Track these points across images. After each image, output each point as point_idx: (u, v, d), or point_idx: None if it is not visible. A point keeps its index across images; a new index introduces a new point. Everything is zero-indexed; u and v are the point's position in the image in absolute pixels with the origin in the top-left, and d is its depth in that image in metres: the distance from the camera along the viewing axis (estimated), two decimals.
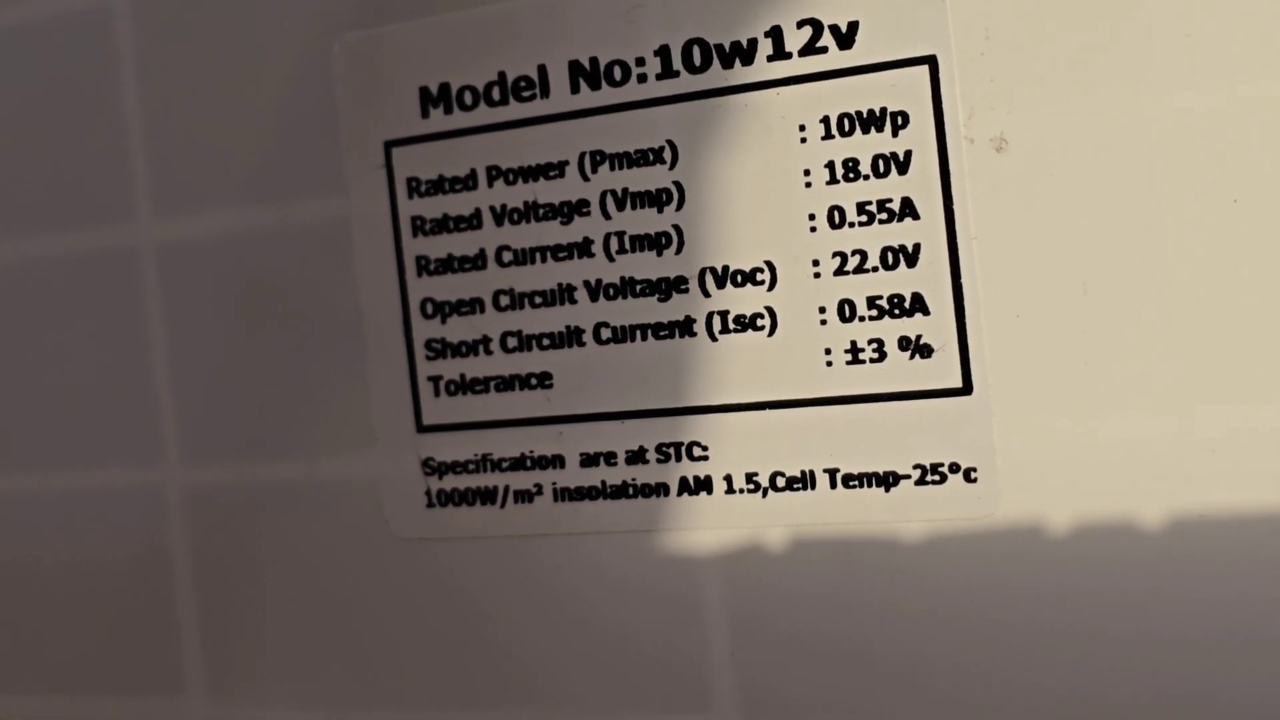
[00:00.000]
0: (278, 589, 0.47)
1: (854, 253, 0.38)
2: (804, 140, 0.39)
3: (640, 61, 0.40)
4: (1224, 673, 0.36)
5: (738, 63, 0.39)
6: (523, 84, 0.42)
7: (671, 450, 0.41)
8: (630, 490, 0.42)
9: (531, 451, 0.43)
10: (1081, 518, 0.37)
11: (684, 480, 0.41)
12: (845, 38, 0.38)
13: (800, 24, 0.38)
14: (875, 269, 0.38)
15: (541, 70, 0.42)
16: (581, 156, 0.41)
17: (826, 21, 0.38)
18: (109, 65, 0.48)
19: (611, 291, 0.42)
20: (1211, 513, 0.36)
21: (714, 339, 0.40)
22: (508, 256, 0.43)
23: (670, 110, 0.40)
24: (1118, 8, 0.36)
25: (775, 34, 0.39)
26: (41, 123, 0.50)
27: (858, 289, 0.38)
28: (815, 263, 0.39)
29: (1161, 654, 0.37)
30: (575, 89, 0.41)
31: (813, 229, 0.39)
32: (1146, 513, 0.36)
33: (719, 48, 0.40)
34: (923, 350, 0.38)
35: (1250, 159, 0.35)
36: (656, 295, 0.41)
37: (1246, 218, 0.35)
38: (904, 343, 0.38)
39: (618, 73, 0.41)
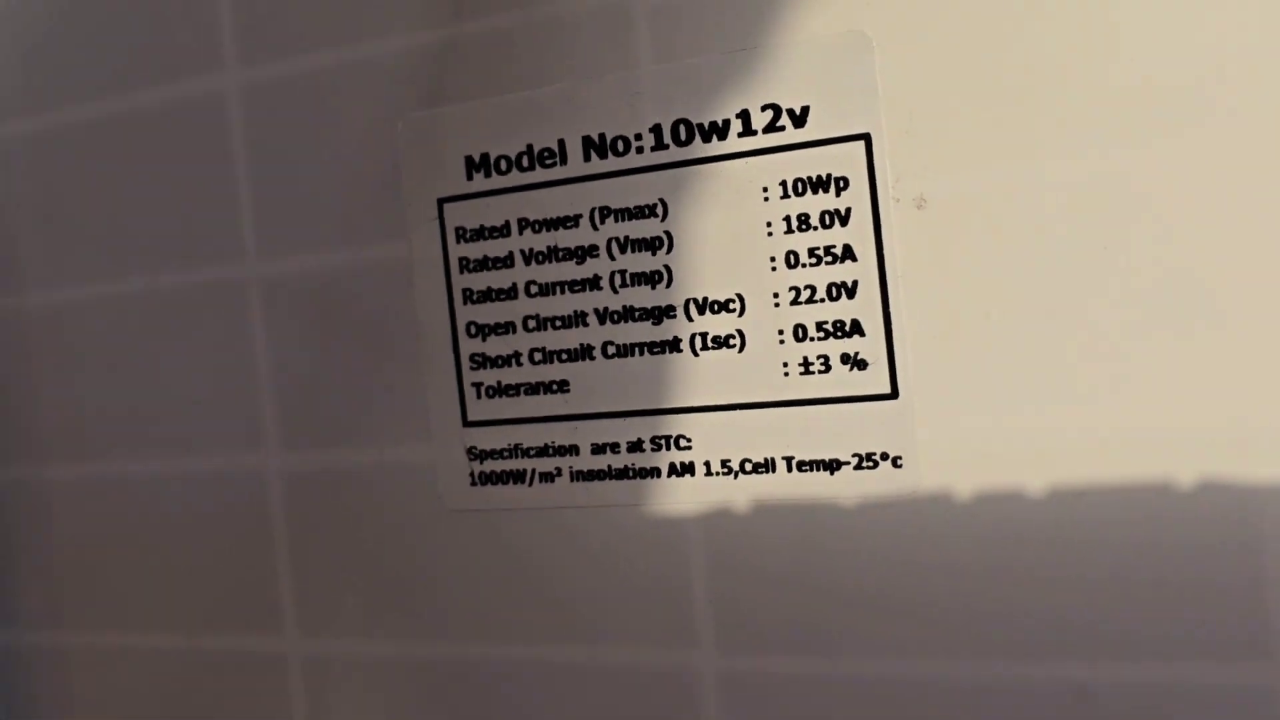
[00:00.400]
0: (353, 548, 0.46)
1: (806, 287, 0.38)
2: (766, 199, 0.38)
3: (638, 137, 0.40)
4: (1095, 606, 0.36)
5: (714, 138, 0.39)
6: (546, 154, 0.41)
7: (663, 441, 0.40)
8: (630, 472, 0.41)
9: (552, 442, 0.42)
10: (983, 491, 0.37)
11: (672, 465, 0.40)
12: (799, 119, 0.38)
13: (764, 108, 0.38)
14: (822, 300, 0.38)
15: (561, 144, 0.41)
16: (592, 211, 0.41)
17: (784, 105, 0.38)
18: (222, 139, 0.47)
19: (615, 317, 0.41)
20: (1081, 486, 0.36)
21: (696, 354, 0.40)
22: (534, 289, 0.42)
23: (662, 175, 0.40)
24: (1009, 100, 0.35)
25: (744, 115, 0.38)
26: (173, 183, 0.49)
27: (808, 316, 0.38)
28: (775, 295, 0.38)
29: (1043, 590, 0.36)
30: (587, 158, 0.41)
31: (773, 268, 0.38)
32: (1032, 486, 0.36)
33: (700, 126, 0.39)
34: (859, 364, 0.38)
35: (1112, 214, 0.34)
36: (650, 320, 0.40)
37: (1112, 261, 0.34)
38: (845, 358, 0.38)
39: (620, 145, 0.40)
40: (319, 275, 0.46)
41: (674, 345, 0.40)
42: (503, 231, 0.42)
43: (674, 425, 0.40)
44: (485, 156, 0.42)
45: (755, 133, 0.38)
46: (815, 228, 0.38)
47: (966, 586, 0.37)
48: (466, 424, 0.44)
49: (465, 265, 0.43)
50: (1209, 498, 0.34)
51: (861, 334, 0.38)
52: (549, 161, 0.41)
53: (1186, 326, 0.34)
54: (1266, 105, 0.33)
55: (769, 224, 0.38)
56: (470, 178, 0.42)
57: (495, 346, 0.43)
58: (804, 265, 0.38)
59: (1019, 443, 0.36)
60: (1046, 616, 0.36)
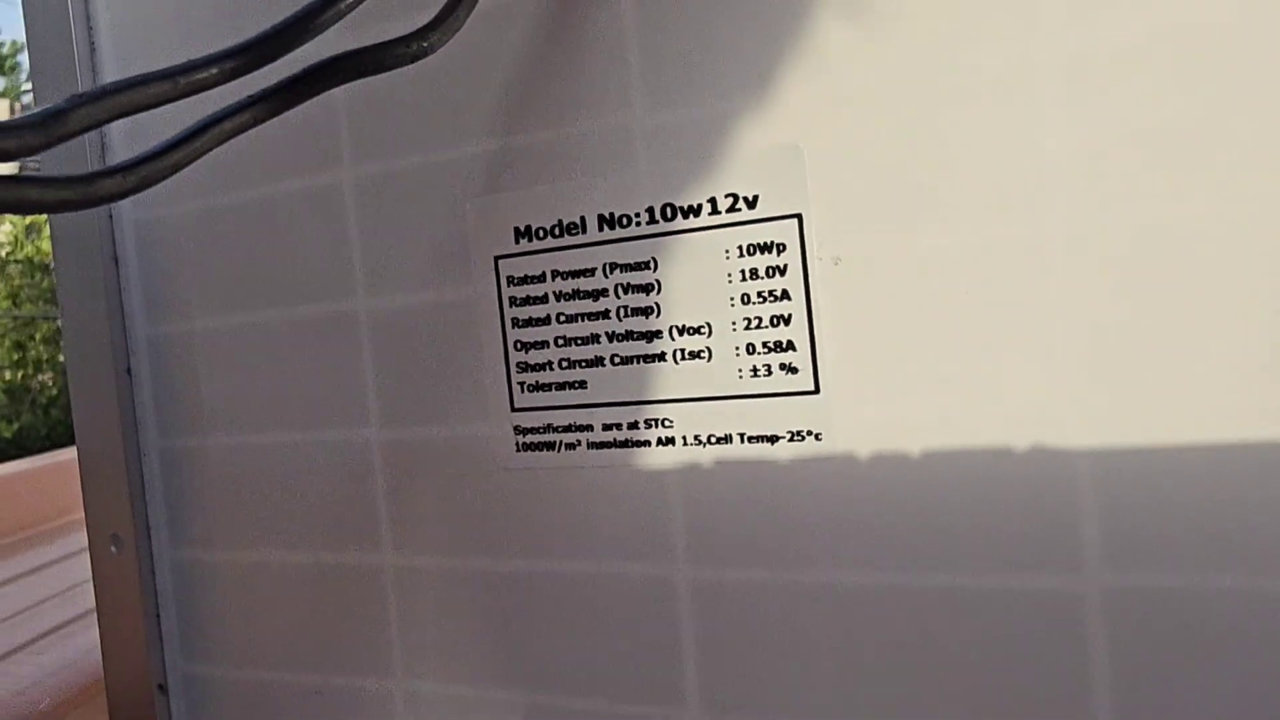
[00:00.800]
0: (431, 493, 0.46)
1: (755, 318, 0.38)
2: (728, 257, 0.38)
3: (637, 215, 0.40)
4: (952, 530, 0.36)
5: (692, 216, 0.39)
6: (571, 226, 0.41)
7: (653, 422, 0.40)
8: (629, 443, 0.41)
9: (574, 422, 0.42)
10: (876, 454, 0.37)
11: (659, 438, 0.40)
12: (751, 203, 0.38)
13: (726, 195, 0.38)
14: (766, 327, 0.38)
15: (582, 219, 0.41)
16: (604, 265, 0.41)
17: (741, 194, 0.38)
18: (340, 213, 0.47)
19: (619, 337, 0.41)
20: (944, 449, 0.36)
21: (677, 364, 0.40)
22: (562, 318, 0.42)
23: (654, 241, 0.40)
24: (896, 191, 0.35)
25: (713, 200, 0.38)
26: (307, 244, 0.48)
27: (756, 338, 0.38)
28: (733, 323, 0.38)
29: (916, 517, 0.36)
30: (600, 229, 0.41)
31: (732, 304, 0.38)
32: (910, 449, 0.36)
33: (681, 208, 0.39)
34: (792, 370, 0.38)
35: (966, 269, 0.35)
36: (644, 340, 0.40)
37: (963, 298, 0.35)
38: (782, 366, 0.38)
39: (624, 220, 0.40)
40: (409, 308, 0.46)
41: (661, 357, 0.40)
42: (540, 279, 0.42)
43: (660, 411, 0.40)
44: (529, 227, 0.42)
45: (720, 212, 0.38)
46: (762, 277, 0.38)
47: (863, 515, 0.37)
48: (514, 410, 0.43)
49: (514, 301, 0.43)
50: (1036, 459, 0.35)
51: (794, 350, 0.38)
52: (573, 231, 0.41)
53: (1010, 345, 0.35)
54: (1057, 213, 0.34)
55: (729, 274, 0.38)
56: (518, 242, 0.42)
57: (534, 357, 0.42)
58: (753, 303, 0.38)
59: (903, 422, 0.36)
60: (921, 536, 0.37)
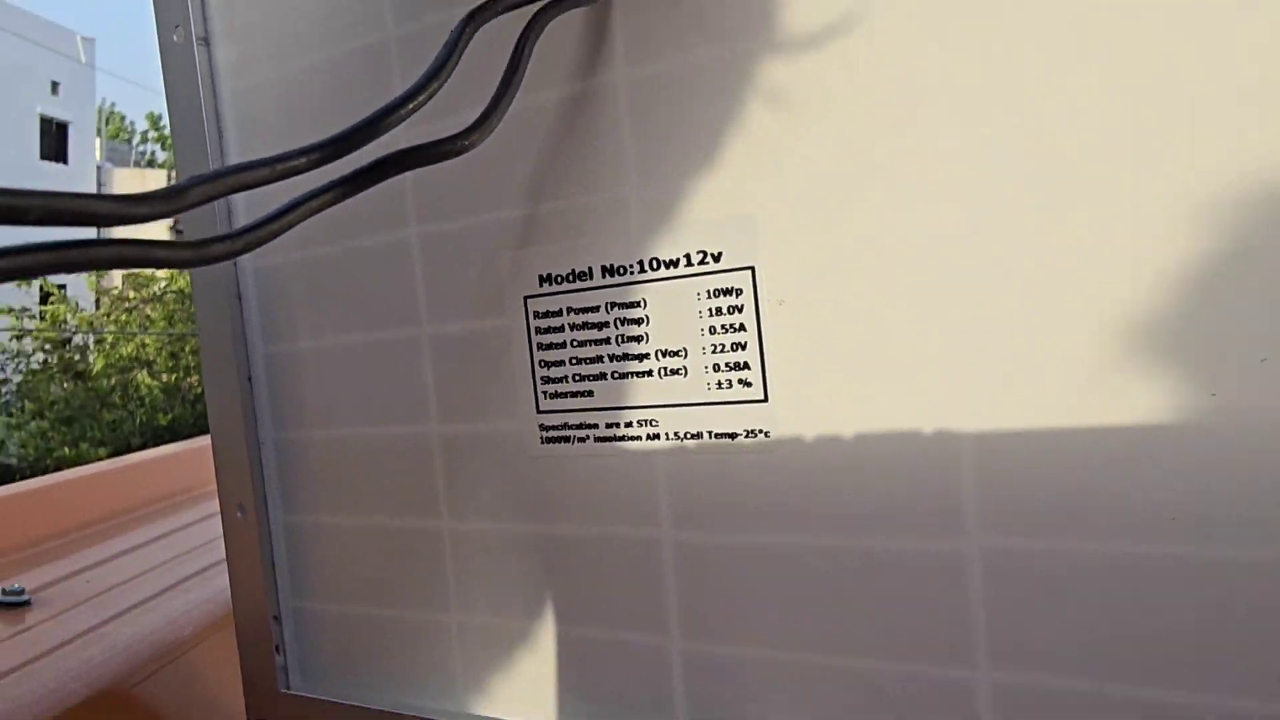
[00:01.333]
0: (479, 474, 0.45)
1: (719, 345, 0.37)
2: (699, 299, 0.37)
3: (631, 266, 0.39)
4: (867, 496, 0.36)
5: (671, 267, 0.38)
6: (581, 274, 0.40)
7: (644, 423, 0.40)
8: (626, 438, 0.40)
9: (584, 422, 0.41)
10: (812, 440, 0.36)
11: (648, 434, 0.40)
12: (716, 258, 0.37)
13: (697, 252, 0.37)
14: (727, 351, 0.37)
15: (590, 269, 0.40)
16: (605, 304, 0.39)
17: (708, 250, 0.37)
18: (407, 263, 0.46)
19: (618, 358, 0.40)
20: (860, 434, 0.35)
21: (661, 378, 0.39)
22: (574, 344, 0.41)
23: (643, 286, 0.39)
24: (826, 249, 0.35)
25: (686, 256, 0.37)
26: (380, 284, 0.47)
27: (721, 359, 0.37)
28: (703, 348, 0.37)
29: (839, 487, 0.36)
30: (603, 276, 0.40)
31: (702, 333, 0.37)
32: (843, 432, 0.36)
33: (663, 260, 0.38)
34: (747, 384, 0.37)
35: (886, 311, 0.34)
36: (637, 360, 0.39)
37: (887, 334, 0.34)
38: (740, 381, 0.37)
39: (622, 270, 0.39)
40: (459, 335, 0.45)
41: (649, 373, 0.39)
42: (558, 314, 0.41)
43: (648, 414, 0.40)
44: (550, 274, 0.41)
45: (693, 265, 0.38)
46: (724, 314, 0.37)
47: (800, 492, 0.37)
48: (539, 411, 0.42)
49: (538, 330, 0.42)
50: (928, 448, 0.34)
51: (748, 369, 0.37)
52: (583, 278, 0.40)
53: (909, 363, 0.34)
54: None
55: (699, 311, 0.38)
56: (541, 285, 0.42)
57: (554, 372, 0.42)
58: (718, 333, 0.37)
59: (830, 421, 0.36)
60: (843, 506, 0.36)
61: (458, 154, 0.32)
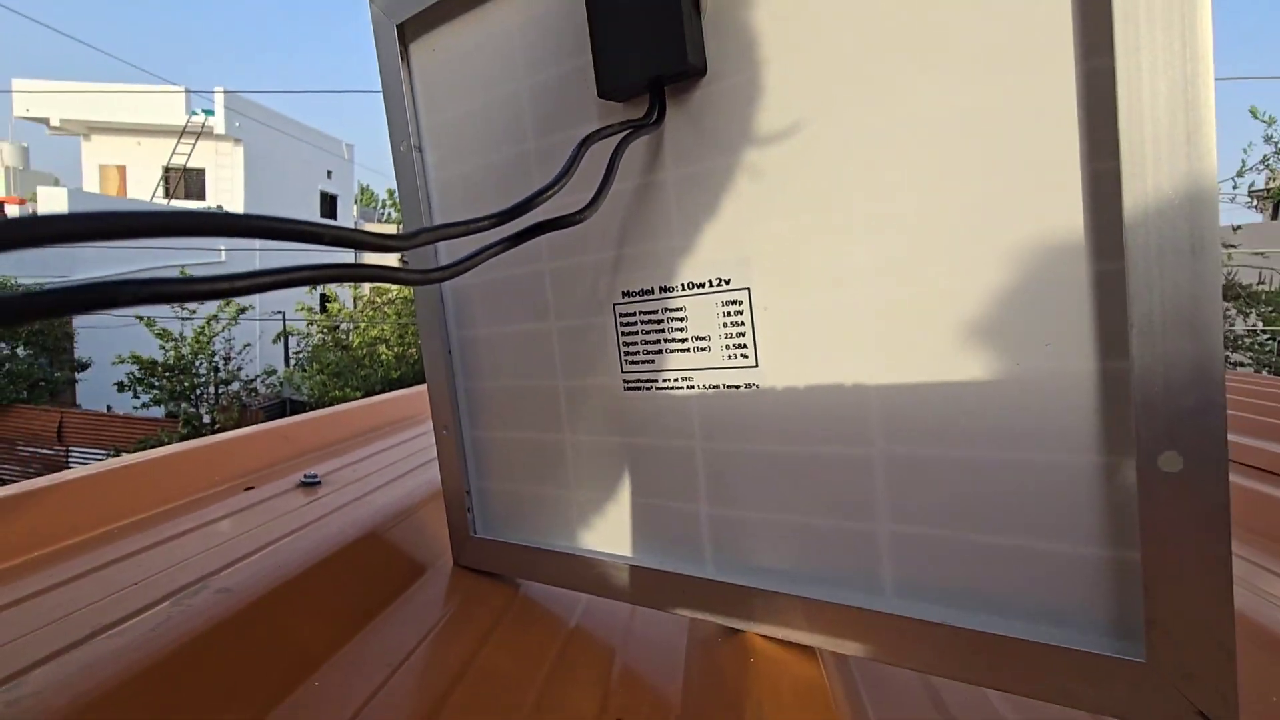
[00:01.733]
0: (585, 409, 0.49)
1: (729, 334, 0.41)
2: (717, 306, 0.42)
3: (677, 286, 0.43)
4: (824, 423, 0.39)
5: (700, 288, 0.42)
6: (647, 291, 0.44)
7: (684, 379, 0.44)
8: (674, 387, 0.44)
9: (649, 378, 0.45)
10: (784, 392, 0.39)
11: (687, 385, 0.44)
12: (727, 283, 0.41)
13: (715, 279, 0.41)
14: (734, 337, 0.41)
15: (653, 288, 0.44)
16: (661, 309, 0.44)
17: (722, 279, 0.41)
18: (541, 285, 0.49)
19: (669, 342, 0.44)
20: (813, 389, 0.38)
21: (694, 354, 0.43)
22: (643, 333, 0.45)
23: (684, 298, 0.43)
24: (791, 276, 0.38)
25: (709, 281, 0.42)
26: (526, 296, 0.51)
27: (731, 342, 0.41)
28: (720, 336, 0.42)
29: (802, 414, 0.39)
30: (661, 294, 0.44)
31: (720, 328, 0.42)
32: (797, 389, 0.39)
33: (697, 283, 0.42)
34: (746, 357, 0.41)
35: (827, 314, 0.37)
36: (680, 343, 0.43)
37: (827, 327, 0.37)
38: (741, 355, 0.41)
39: (671, 289, 0.43)
40: (575, 328, 0.49)
41: (687, 350, 0.44)
42: (634, 316, 0.45)
43: (688, 375, 0.44)
44: (627, 291, 0.45)
45: (713, 286, 0.42)
46: (733, 316, 0.41)
47: (776, 419, 0.40)
48: (623, 373, 0.47)
49: (622, 325, 0.46)
50: (851, 389, 0.37)
51: (747, 348, 0.41)
52: (649, 294, 0.45)
53: (841, 341, 0.37)
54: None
55: (718, 314, 0.42)
56: (624, 298, 0.46)
57: (630, 349, 0.46)
58: (729, 327, 0.42)
59: (794, 377, 0.39)
60: (800, 428, 0.39)
61: (577, 223, 0.37)
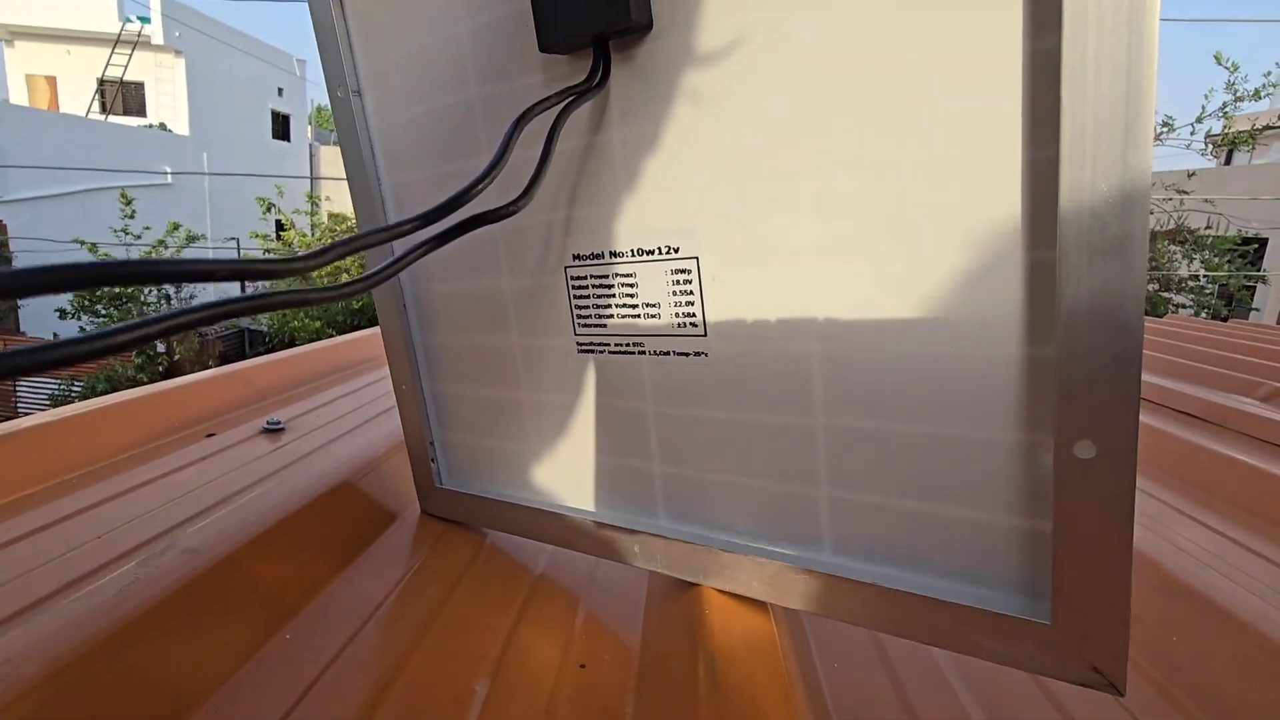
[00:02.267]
0: (545, 368, 0.49)
1: (679, 302, 0.41)
2: (667, 274, 0.41)
3: (627, 252, 0.43)
4: (759, 398, 0.40)
5: (650, 255, 0.42)
6: (597, 255, 0.44)
7: (636, 344, 0.44)
8: (625, 351, 0.45)
9: (601, 341, 0.45)
10: (728, 359, 0.40)
11: (639, 350, 0.44)
12: (676, 251, 0.40)
13: (665, 247, 0.41)
14: (684, 306, 0.41)
15: (604, 252, 0.43)
16: (612, 273, 0.43)
17: (671, 246, 0.40)
18: (496, 248, 0.48)
19: (620, 306, 0.44)
20: (755, 356, 0.38)
21: (645, 320, 0.43)
22: (595, 297, 0.45)
23: (635, 264, 0.42)
24: (736, 248, 0.38)
25: (659, 249, 0.41)
26: (481, 259, 0.49)
27: (680, 309, 0.42)
28: (670, 303, 0.42)
29: (744, 394, 0.40)
30: (611, 258, 0.43)
31: (670, 294, 0.42)
32: (745, 353, 0.39)
33: (646, 250, 0.42)
34: (695, 325, 0.41)
35: (769, 284, 0.38)
36: (631, 308, 0.44)
37: (770, 295, 0.37)
38: (691, 324, 0.41)
39: (621, 255, 0.43)
40: (528, 288, 0.48)
41: (639, 315, 0.44)
42: (584, 279, 0.45)
43: (638, 340, 0.44)
44: (577, 254, 0.45)
45: (663, 254, 0.41)
46: (681, 284, 0.41)
47: (722, 385, 0.40)
48: (575, 334, 0.47)
49: (573, 287, 0.46)
50: (795, 357, 0.38)
51: (694, 316, 0.41)
52: (599, 258, 0.44)
53: (772, 305, 0.38)
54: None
55: (667, 282, 0.42)
56: (574, 260, 0.45)
57: (583, 312, 0.46)
58: (678, 295, 0.42)
59: (740, 345, 0.39)
60: (743, 393, 0.40)
61: (510, 215, 0.36)
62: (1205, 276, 5.84)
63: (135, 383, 6.10)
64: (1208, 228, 6.24)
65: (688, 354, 0.43)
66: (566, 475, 0.51)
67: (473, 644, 0.46)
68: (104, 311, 6.25)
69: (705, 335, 0.41)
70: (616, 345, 0.46)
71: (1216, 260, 5.85)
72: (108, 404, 0.86)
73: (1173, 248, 5.98)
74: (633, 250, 0.43)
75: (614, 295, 0.45)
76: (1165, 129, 6.17)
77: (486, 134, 0.43)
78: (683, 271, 0.41)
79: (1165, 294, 5.77)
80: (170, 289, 6.71)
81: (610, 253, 0.44)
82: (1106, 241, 0.26)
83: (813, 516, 0.40)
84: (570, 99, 0.38)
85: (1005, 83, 0.28)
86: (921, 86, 0.30)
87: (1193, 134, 6.27)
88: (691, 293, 0.41)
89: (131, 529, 0.58)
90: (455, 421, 0.57)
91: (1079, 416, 0.28)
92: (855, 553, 0.39)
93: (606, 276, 0.44)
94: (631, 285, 0.44)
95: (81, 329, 6.30)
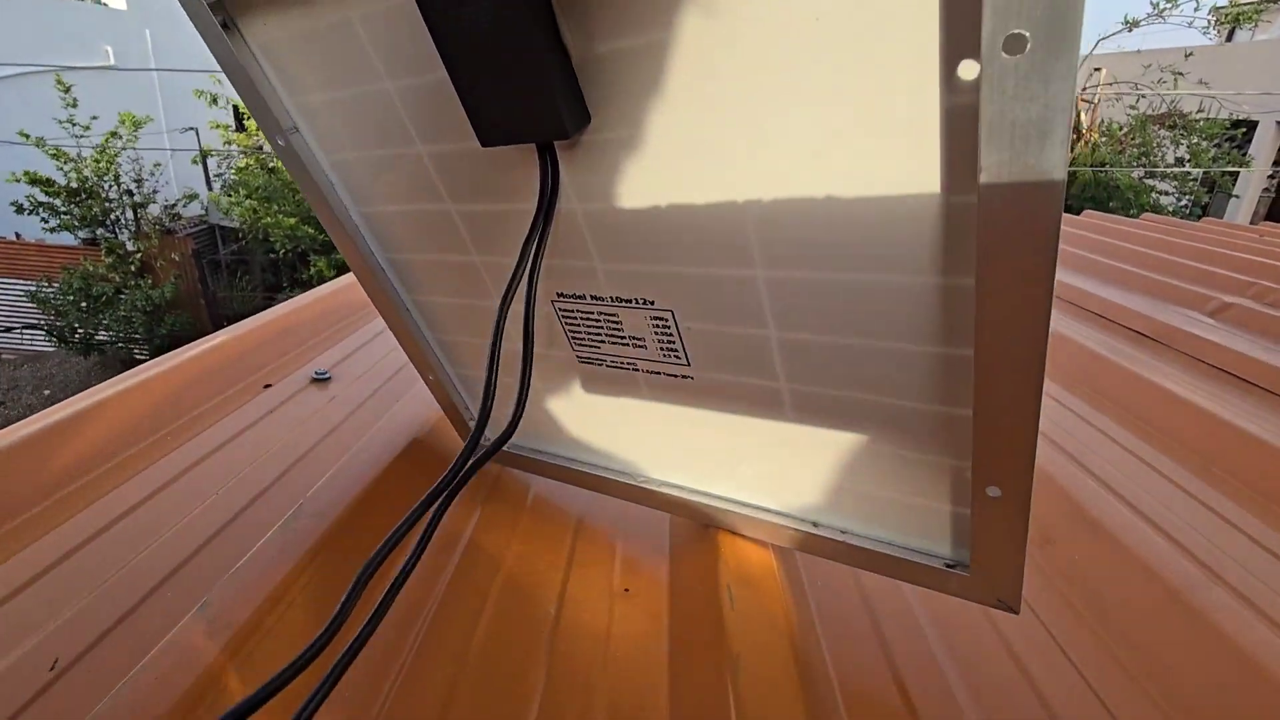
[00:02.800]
0: (551, 372, 0.53)
1: (661, 340, 0.44)
2: (647, 320, 0.43)
3: (607, 298, 0.44)
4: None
5: (628, 303, 0.43)
6: (580, 297, 0.45)
7: (629, 365, 0.47)
8: (619, 368, 0.47)
9: (598, 357, 0.48)
10: (716, 385, 0.42)
11: (633, 368, 0.47)
12: (651, 303, 0.42)
13: (640, 299, 0.42)
14: (666, 345, 0.43)
15: (587, 295, 0.45)
16: (598, 313, 0.45)
17: (646, 298, 0.42)
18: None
19: (610, 338, 0.46)
20: (736, 382, 0.42)
21: (634, 349, 0.45)
22: (587, 329, 0.47)
23: (617, 308, 0.44)
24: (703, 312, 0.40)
25: (635, 299, 0.43)
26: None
27: (663, 347, 0.44)
28: (654, 340, 0.44)
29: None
30: (593, 301, 0.45)
31: (652, 335, 0.43)
32: (738, 380, 0.41)
33: (624, 299, 0.43)
34: (678, 358, 0.44)
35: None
36: (621, 339, 0.46)
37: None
38: (675, 357, 0.44)
39: (603, 299, 0.44)
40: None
41: (628, 345, 0.46)
42: (575, 314, 0.47)
43: (632, 360, 0.46)
44: (561, 293, 0.46)
45: (639, 304, 0.42)
46: (661, 330, 0.43)
47: (713, 402, 0.44)
48: (574, 349, 0.49)
49: (564, 320, 0.47)
50: (768, 392, 0.42)
51: (678, 352, 0.44)
52: (583, 299, 0.45)
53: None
54: None
55: (648, 327, 0.43)
56: (559, 299, 0.46)
57: (576, 340, 0.47)
58: (660, 336, 0.44)
59: (728, 378, 0.41)
60: (732, 408, 0.44)
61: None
62: (1189, 162, 5.68)
63: (107, 280, 5.89)
64: (1199, 110, 6.02)
65: (676, 375, 0.46)
66: (594, 441, 0.57)
67: (540, 574, 0.57)
68: (63, 209, 5.90)
69: (689, 365, 0.45)
70: (612, 362, 0.49)
71: (1204, 144, 5.70)
72: (165, 367, 0.91)
73: (1162, 133, 5.80)
74: (612, 297, 0.44)
75: (602, 327, 0.46)
76: (1169, 3, 5.79)
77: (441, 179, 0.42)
78: (660, 320, 0.43)
79: (1149, 181, 5.64)
80: (132, 185, 6.33)
81: (592, 296, 0.45)
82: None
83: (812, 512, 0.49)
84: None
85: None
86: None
87: (1196, 9, 5.88)
88: (671, 336, 0.43)
89: (242, 483, 0.68)
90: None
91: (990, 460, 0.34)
92: (834, 527, 0.48)
93: (592, 313, 0.46)
94: (616, 322, 0.45)
95: (43, 221, 5.88)
